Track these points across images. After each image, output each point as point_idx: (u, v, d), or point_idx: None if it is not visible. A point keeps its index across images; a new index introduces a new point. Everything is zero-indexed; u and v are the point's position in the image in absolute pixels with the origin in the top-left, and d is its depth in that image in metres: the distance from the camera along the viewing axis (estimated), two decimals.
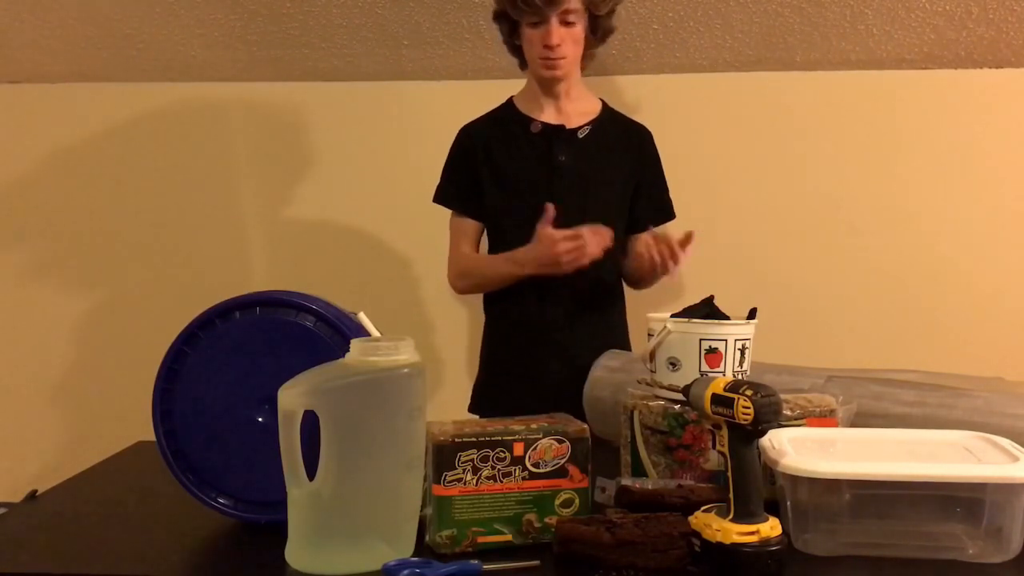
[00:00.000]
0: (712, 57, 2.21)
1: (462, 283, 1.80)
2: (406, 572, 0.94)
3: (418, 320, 2.33)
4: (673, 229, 1.91)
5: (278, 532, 1.04)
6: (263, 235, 2.37)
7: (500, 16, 1.72)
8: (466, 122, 1.82)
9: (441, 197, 1.83)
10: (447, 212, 1.83)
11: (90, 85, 2.36)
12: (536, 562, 1.00)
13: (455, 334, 2.31)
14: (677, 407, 1.19)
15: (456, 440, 1.04)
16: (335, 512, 1.00)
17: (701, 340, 1.20)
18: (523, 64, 1.77)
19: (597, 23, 1.69)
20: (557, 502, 1.07)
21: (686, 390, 1.06)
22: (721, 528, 0.97)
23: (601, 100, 1.82)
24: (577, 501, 1.07)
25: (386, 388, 1.01)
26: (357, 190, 2.34)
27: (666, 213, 1.85)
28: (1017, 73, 2.20)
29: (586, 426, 1.09)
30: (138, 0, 2.08)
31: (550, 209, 1.59)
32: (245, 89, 2.34)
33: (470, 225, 1.81)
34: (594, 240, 1.56)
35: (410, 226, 2.29)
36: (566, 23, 1.63)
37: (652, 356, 1.25)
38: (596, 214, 1.74)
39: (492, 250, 1.81)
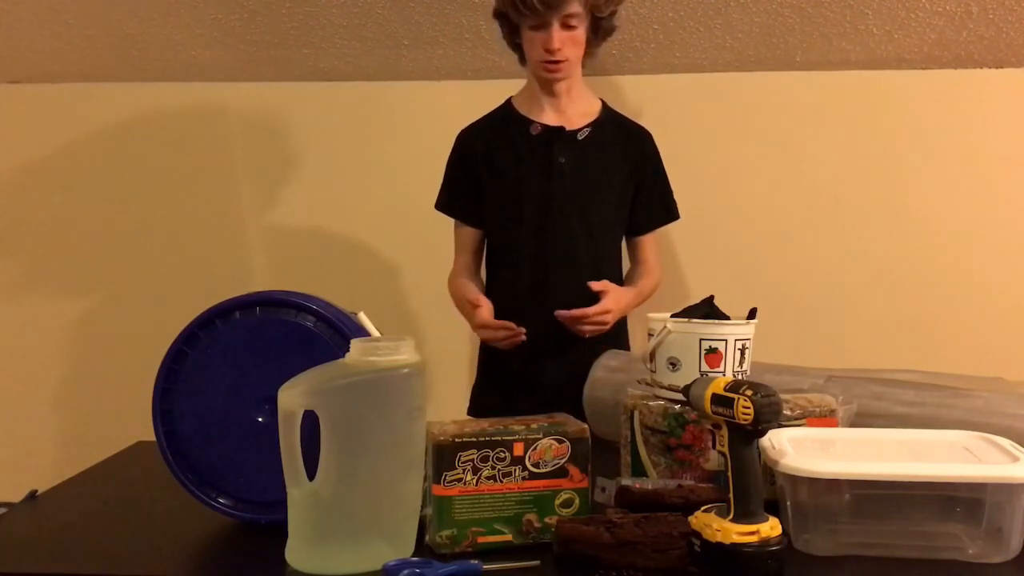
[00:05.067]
0: (712, 57, 2.21)
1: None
2: (406, 572, 0.95)
3: (418, 320, 2.33)
4: (674, 229, 1.92)
5: (278, 532, 1.04)
6: (263, 235, 2.37)
7: (500, 16, 1.72)
8: (465, 124, 1.82)
9: (441, 205, 1.84)
10: (447, 216, 1.84)
11: (90, 85, 2.36)
12: (536, 562, 1.00)
13: (455, 334, 2.31)
14: (677, 407, 1.19)
15: (456, 440, 1.04)
16: (335, 512, 1.00)
17: (701, 340, 1.20)
18: (523, 60, 1.76)
19: (599, 24, 1.68)
20: (557, 502, 1.07)
21: (686, 390, 1.06)
22: (721, 528, 0.97)
23: (601, 100, 1.81)
24: (577, 501, 1.07)
25: (386, 388, 1.01)
26: (357, 190, 2.34)
27: (669, 214, 1.85)
28: (1017, 73, 2.20)
29: (586, 426, 1.09)
30: (138, 0, 2.08)
31: (484, 304, 1.65)
32: (245, 89, 2.34)
33: (469, 234, 1.82)
34: (511, 335, 1.63)
35: (409, 226, 2.29)
36: (567, 26, 1.62)
37: (652, 356, 1.25)
38: (595, 216, 1.75)
39: (491, 252, 1.81)
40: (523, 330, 1.62)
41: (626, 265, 1.86)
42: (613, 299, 1.65)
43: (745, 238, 2.27)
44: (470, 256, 1.83)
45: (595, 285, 1.65)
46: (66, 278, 2.40)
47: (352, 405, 1.00)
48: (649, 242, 1.84)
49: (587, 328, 1.64)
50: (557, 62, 1.65)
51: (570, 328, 1.65)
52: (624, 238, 1.83)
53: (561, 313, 1.63)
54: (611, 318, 1.65)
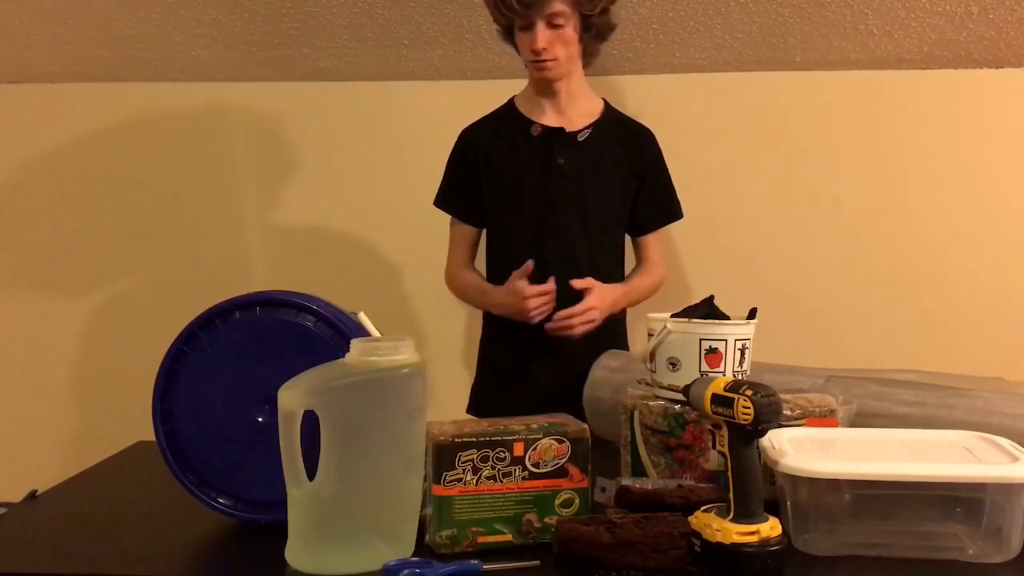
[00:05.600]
0: (712, 57, 2.21)
1: (453, 288, 1.86)
2: (406, 572, 0.95)
3: (418, 320, 2.33)
4: (675, 229, 1.92)
5: (278, 532, 1.04)
6: (263, 235, 2.37)
7: (496, 21, 1.72)
8: (467, 123, 1.82)
9: (440, 201, 1.84)
10: (445, 212, 1.84)
11: (90, 85, 2.36)
12: (536, 562, 1.00)
13: (455, 334, 2.31)
14: (677, 407, 1.19)
15: (456, 440, 1.04)
16: (335, 512, 1.00)
17: (701, 340, 1.20)
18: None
19: (589, 22, 1.67)
20: (557, 502, 1.07)
21: (686, 390, 1.06)
22: (721, 528, 0.97)
23: (604, 100, 1.81)
24: (577, 501, 1.07)
25: (386, 388, 1.01)
26: (357, 190, 2.34)
27: (672, 213, 1.85)
28: (1017, 73, 2.20)
29: (586, 426, 1.09)
30: (138, 0, 2.08)
31: (529, 265, 1.62)
32: (245, 89, 2.34)
33: (466, 231, 1.82)
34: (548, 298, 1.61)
35: (409, 226, 2.29)
36: (553, 25, 1.62)
37: (652, 356, 1.25)
38: (594, 216, 1.75)
39: (490, 251, 1.82)
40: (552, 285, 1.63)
41: (630, 265, 1.86)
42: (597, 296, 1.64)
43: (745, 238, 2.27)
44: (466, 252, 1.83)
45: (577, 283, 1.63)
46: (66, 278, 2.40)
47: (352, 405, 1.00)
48: (653, 241, 1.84)
49: (577, 327, 1.63)
50: (545, 61, 1.65)
51: (564, 334, 1.64)
52: (630, 238, 1.84)
53: (550, 327, 1.63)
54: (598, 315, 1.64)
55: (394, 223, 2.33)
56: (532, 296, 1.60)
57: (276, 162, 2.36)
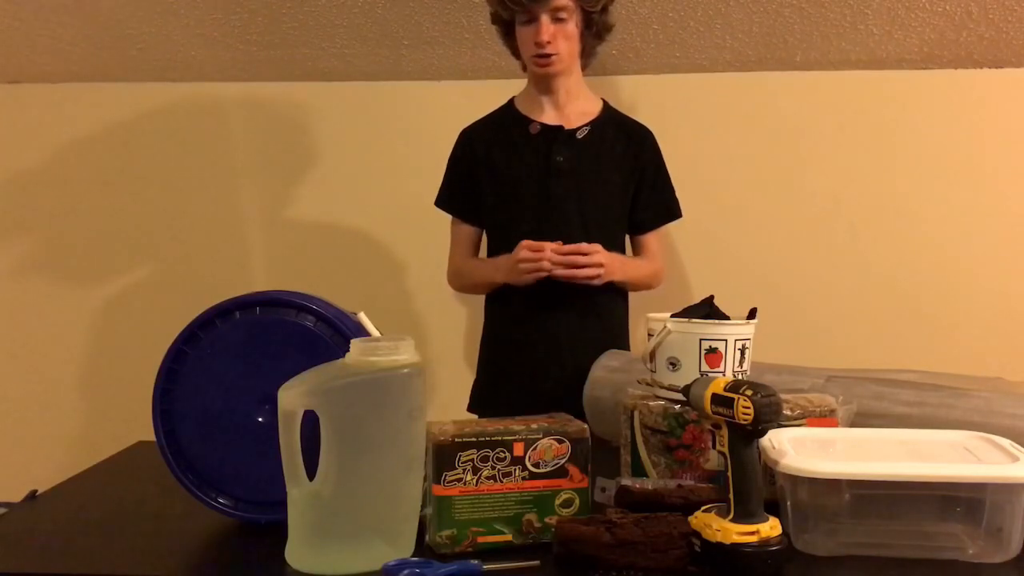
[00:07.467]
0: (712, 57, 2.21)
1: (455, 283, 1.87)
2: (406, 572, 0.95)
3: (418, 320, 2.33)
4: (675, 229, 1.92)
5: (278, 532, 1.04)
6: (263, 235, 2.37)
7: (496, 18, 1.73)
8: (467, 123, 1.82)
9: (441, 202, 1.85)
10: (446, 213, 1.84)
11: (90, 85, 2.36)
12: (536, 562, 1.00)
13: (455, 333, 2.31)
14: (677, 407, 1.19)
15: (456, 440, 1.04)
16: (335, 512, 1.00)
17: (701, 340, 1.20)
18: (525, 66, 1.77)
19: (591, 19, 1.69)
20: (557, 502, 1.07)
21: (686, 390, 1.06)
22: (721, 528, 0.97)
23: (603, 100, 1.82)
24: (577, 501, 1.07)
25: (386, 388, 1.01)
26: (357, 190, 2.34)
27: (670, 212, 1.85)
28: (1017, 73, 2.20)
29: (586, 426, 1.09)
30: (138, 0, 2.08)
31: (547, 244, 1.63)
32: (245, 89, 2.34)
33: (467, 231, 1.83)
34: (554, 257, 1.60)
35: (410, 226, 2.29)
36: (557, 20, 1.64)
37: (652, 356, 1.25)
38: (593, 215, 1.75)
39: (491, 250, 1.82)
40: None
41: None
42: (605, 254, 1.64)
43: (745, 238, 2.27)
44: (467, 251, 1.84)
45: (584, 247, 1.63)
46: (65, 279, 2.39)
47: (352, 405, 1.00)
48: (652, 240, 1.84)
49: (582, 268, 1.61)
50: (548, 55, 1.66)
51: (570, 275, 1.62)
52: (630, 237, 1.84)
53: (558, 261, 1.61)
54: (604, 258, 1.63)
55: (394, 223, 2.32)
56: (523, 248, 1.61)
57: (276, 162, 2.36)
